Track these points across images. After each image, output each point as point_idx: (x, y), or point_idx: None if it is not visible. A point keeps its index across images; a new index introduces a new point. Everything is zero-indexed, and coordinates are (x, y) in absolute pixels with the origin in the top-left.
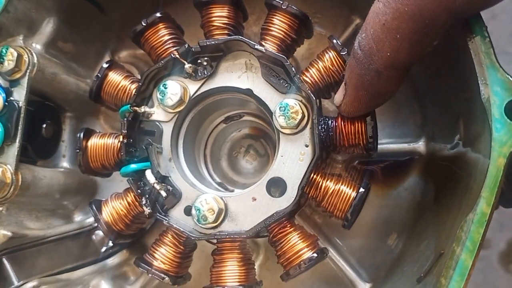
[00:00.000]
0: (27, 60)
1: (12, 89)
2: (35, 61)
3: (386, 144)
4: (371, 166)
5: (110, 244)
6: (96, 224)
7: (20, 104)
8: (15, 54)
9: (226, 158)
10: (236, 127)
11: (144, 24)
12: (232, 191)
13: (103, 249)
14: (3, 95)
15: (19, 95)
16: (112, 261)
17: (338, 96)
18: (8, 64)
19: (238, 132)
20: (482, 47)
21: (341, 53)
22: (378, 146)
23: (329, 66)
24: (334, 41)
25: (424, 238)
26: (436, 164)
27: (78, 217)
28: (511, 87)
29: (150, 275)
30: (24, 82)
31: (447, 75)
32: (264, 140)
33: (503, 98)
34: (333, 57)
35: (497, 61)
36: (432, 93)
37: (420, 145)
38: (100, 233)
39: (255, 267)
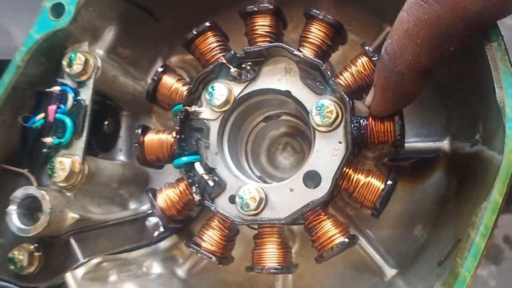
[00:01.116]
0: (92, 64)
1: (79, 89)
2: (99, 64)
3: (413, 143)
4: (399, 162)
5: (162, 229)
6: (149, 211)
7: (87, 102)
8: (83, 58)
9: (265, 154)
10: (274, 126)
11: (195, 33)
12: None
13: (156, 233)
14: (73, 95)
15: (86, 95)
16: (163, 244)
17: (369, 98)
18: (77, 67)
19: (277, 131)
20: (498, 54)
21: (372, 59)
22: (406, 144)
23: (361, 70)
24: (366, 47)
25: (445, 228)
26: (459, 161)
27: (133, 205)
28: None
29: (199, 255)
30: (90, 83)
31: (468, 79)
32: (300, 138)
33: None
34: (365, 62)
35: (511, 66)
36: (455, 96)
37: (444, 144)
38: (152, 219)
39: (292, 254)
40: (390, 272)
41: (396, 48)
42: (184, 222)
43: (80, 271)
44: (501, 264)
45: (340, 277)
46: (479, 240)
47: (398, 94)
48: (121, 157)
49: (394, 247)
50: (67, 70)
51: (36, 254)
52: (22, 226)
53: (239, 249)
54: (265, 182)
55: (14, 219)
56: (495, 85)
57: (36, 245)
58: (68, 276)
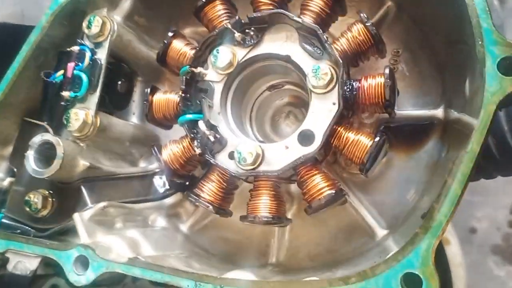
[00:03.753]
0: (109, 27)
1: (96, 49)
2: (115, 28)
3: (410, 111)
4: (395, 129)
5: (167, 186)
6: (157, 170)
7: (102, 61)
8: (100, 21)
9: (269, 122)
10: (279, 95)
11: (203, 1)
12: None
13: (162, 190)
14: (90, 54)
15: (101, 54)
16: (168, 201)
17: None
18: (95, 29)
19: (281, 100)
20: (480, 12)
21: (367, 24)
22: (402, 112)
23: (356, 36)
24: (362, 14)
25: (432, 192)
26: (450, 127)
27: (142, 164)
28: (503, 46)
29: (197, 203)
30: (106, 44)
31: (459, 44)
32: (303, 108)
33: (496, 56)
34: (361, 29)
35: (492, 24)
36: (450, 64)
37: (439, 111)
38: (159, 178)
39: (289, 215)
40: (381, 232)
41: None
42: (187, 178)
43: (87, 213)
44: None
45: (334, 237)
46: (456, 187)
47: None
48: (134, 119)
49: (387, 211)
50: (86, 31)
51: (50, 198)
52: (37, 169)
53: (240, 210)
54: None
55: (31, 162)
56: (475, 42)
57: (51, 191)
58: (76, 216)
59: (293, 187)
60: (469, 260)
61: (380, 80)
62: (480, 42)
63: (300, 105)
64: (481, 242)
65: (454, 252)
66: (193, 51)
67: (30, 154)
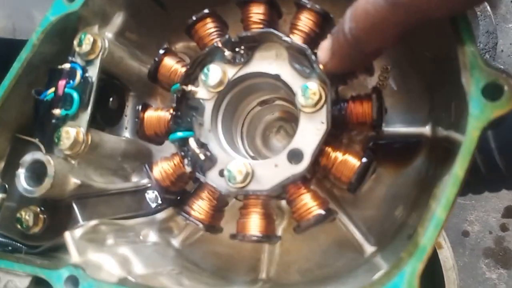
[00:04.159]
0: (100, 45)
1: (87, 67)
2: (106, 46)
3: (398, 128)
4: (384, 146)
5: (159, 201)
6: (149, 185)
7: (93, 79)
8: (91, 39)
9: (260, 137)
10: (270, 110)
11: (194, 18)
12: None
13: (154, 205)
14: (81, 71)
15: (93, 72)
16: (160, 216)
17: (323, 57)
18: (85, 47)
19: (272, 115)
20: (465, 38)
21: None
22: (390, 129)
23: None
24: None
25: (420, 209)
26: (438, 145)
27: (134, 179)
28: (488, 72)
29: (187, 222)
30: (97, 62)
31: (446, 64)
32: (294, 123)
33: (479, 81)
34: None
35: (477, 50)
36: (437, 82)
37: (426, 129)
38: (151, 193)
39: (280, 230)
40: (369, 249)
41: (362, 35)
42: (178, 194)
43: (78, 231)
44: (511, 268)
45: (324, 253)
46: (440, 212)
47: (357, 64)
48: (126, 134)
49: (376, 227)
50: (77, 49)
51: (41, 215)
52: (28, 187)
53: (231, 223)
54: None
55: (22, 181)
56: (460, 67)
57: (42, 208)
58: (67, 235)
59: (284, 201)
60: (461, 263)
61: (368, 100)
62: (465, 67)
63: (291, 120)
64: (473, 245)
65: (446, 256)
66: (184, 69)
67: (21, 173)
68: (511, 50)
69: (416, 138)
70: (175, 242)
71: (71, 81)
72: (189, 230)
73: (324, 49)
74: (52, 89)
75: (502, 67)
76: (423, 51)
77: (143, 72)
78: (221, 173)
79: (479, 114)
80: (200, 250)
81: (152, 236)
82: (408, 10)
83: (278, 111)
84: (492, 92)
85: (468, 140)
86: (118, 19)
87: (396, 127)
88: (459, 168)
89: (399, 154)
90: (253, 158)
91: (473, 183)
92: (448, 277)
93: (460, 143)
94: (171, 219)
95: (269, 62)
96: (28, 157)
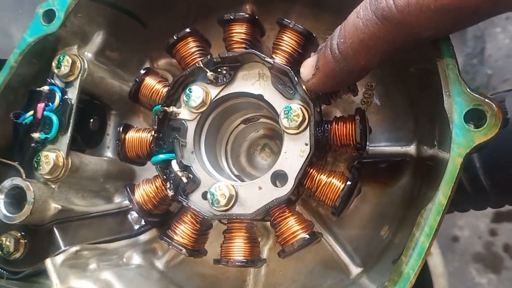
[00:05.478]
0: (79, 66)
1: (67, 89)
2: (86, 66)
3: (383, 147)
4: (369, 164)
5: (143, 223)
6: (131, 205)
7: (73, 101)
8: (70, 60)
9: (245, 155)
10: (254, 128)
11: (175, 38)
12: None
13: (137, 227)
14: (60, 94)
15: (72, 94)
16: (143, 237)
17: (306, 74)
18: (64, 69)
19: (256, 133)
20: (448, 63)
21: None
22: (375, 148)
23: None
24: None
25: (406, 229)
26: (423, 164)
27: (117, 199)
28: (470, 98)
29: (170, 246)
30: (77, 83)
31: (430, 87)
32: (278, 140)
33: (462, 107)
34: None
35: (459, 75)
36: (422, 102)
37: (411, 148)
38: (134, 213)
39: (265, 250)
40: (355, 270)
41: (350, 51)
42: (161, 216)
43: (59, 258)
44: (501, 273)
45: (310, 273)
46: (423, 240)
47: (340, 84)
48: (108, 153)
49: (362, 247)
50: (55, 71)
51: (22, 241)
52: (8, 214)
53: (216, 245)
54: (242, 180)
55: (1, 207)
56: (443, 93)
57: (23, 233)
58: (48, 262)
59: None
60: (451, 268)
61: (351, 123)
62: (447, 93)
63: (275, 137)
64: (463, 250)
65: (436, 262)
66: (166, 89)
67: (1, 199)
68: (499, 55)
69: (402, 157)
70: (159, 264)
71: (50, 104)
72: (174, 252)
73: (309, 66)
74: (31, 112)
75: (483, 92)
76: (407, 67)
77: (124, 91)
78: (204, 196)
79: (462, 140)
80: (184, 271)
81: (136, 259)
82: (398, 27)
83: (263, 128)
84: (475, 118)
85: (451, 166)
86: (98, 38)
87: (381, 146)
88: (442, 196)
89: (385, 173)
90: (237, 176)
91: (458, 201)
92: (438, 283)
93: (444, 162)
94: (154, 240)
95: (252, 82)
96: (7, 183)
